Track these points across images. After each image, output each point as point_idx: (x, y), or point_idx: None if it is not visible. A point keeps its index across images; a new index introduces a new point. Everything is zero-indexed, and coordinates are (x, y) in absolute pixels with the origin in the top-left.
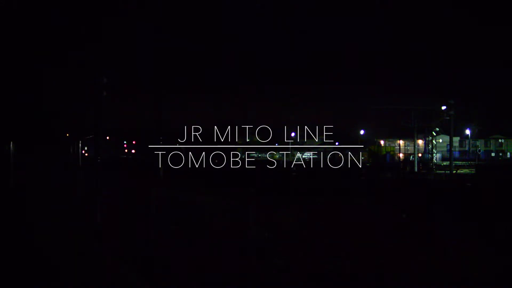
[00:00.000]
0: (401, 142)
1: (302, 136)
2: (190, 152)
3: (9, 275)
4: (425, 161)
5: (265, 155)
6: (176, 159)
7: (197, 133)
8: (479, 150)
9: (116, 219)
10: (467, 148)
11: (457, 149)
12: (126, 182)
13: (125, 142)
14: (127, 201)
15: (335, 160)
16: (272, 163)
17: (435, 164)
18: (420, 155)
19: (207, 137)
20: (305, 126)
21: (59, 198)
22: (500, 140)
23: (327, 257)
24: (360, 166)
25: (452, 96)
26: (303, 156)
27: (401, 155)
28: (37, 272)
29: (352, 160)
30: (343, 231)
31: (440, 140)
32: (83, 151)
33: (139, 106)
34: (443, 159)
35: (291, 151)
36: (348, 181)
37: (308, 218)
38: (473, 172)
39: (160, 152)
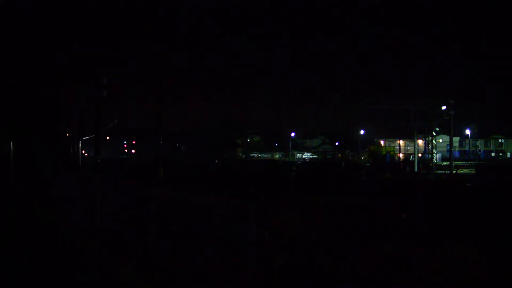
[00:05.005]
0: (401, 142)
1: (302, 136)
2: (190, 152)
3: (8, 276)
4: (425, 161)
5: (265, 155)
6: (176, 159)
7: (197, 133)
8: (479, 150)
9: (115, 219)
10: (467, 148)
11: (457, 149)
12: (126, 182)
13: (125, 142)
14: (126, 201)
15: (335, 160)
16: (272, 163)
17: (435, 164)
18: (420, 155)
19: (207, 137)
20: (305, 126)
21: (58, 197)
22: (500, 140)
23: (328, 257)
24: (360, 166)
25: (452, 96)
26: (303, 156)
27: (401, 155)
28: (36, 272)
29: (352, 160)
30: (344, 231)
31: (440, 140)
32: (83, 151)
33: (139, 106)
34: (443, 159)
35: (291, 151)
36: (348, 181)
37: (308, 218)
38: (473, 172)
39: (160, 152)
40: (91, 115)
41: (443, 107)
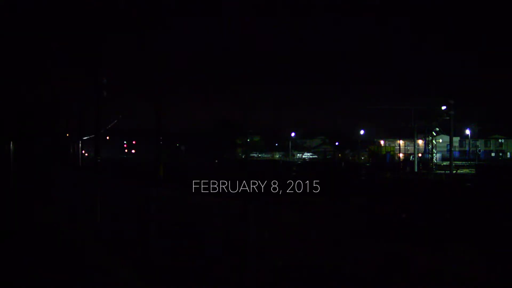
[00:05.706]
0: (401, 142)
1: (302, 136)
2: (190, 152)
3: (8, 276)
4: (425, 161)
5: (265, 155)
6: (176, 159)
7: (197, 133)
8: (479, 150)
9: (115, 219)
10: (467, 148)
11: (457, 149)
12: (126, 182)
13: (125, 142)
14: (126, 201)
15: (335, 160)
16: (272, 163)
17: (435, 164)
18: (420, 155)
19: (207, 137)
20: (305, 126)
21: (58, 197)
22: (500, 140)
23: (328, 257)
24: (360, 166)
25: (452, 96)
26: (303, 156)
27: (401, 155)
28: (36, 272)
29: (352, 160)
30: (344, 230)
31: (440, 140)
32: (83, 151)
33: (139, 106)
34: (443, 159)
35: (291, 151)
36: (348, 181)
37: (309, 218)
38: (473, 172)
39: (160, 152)
40: (91, 115)
41: (443, 107)
